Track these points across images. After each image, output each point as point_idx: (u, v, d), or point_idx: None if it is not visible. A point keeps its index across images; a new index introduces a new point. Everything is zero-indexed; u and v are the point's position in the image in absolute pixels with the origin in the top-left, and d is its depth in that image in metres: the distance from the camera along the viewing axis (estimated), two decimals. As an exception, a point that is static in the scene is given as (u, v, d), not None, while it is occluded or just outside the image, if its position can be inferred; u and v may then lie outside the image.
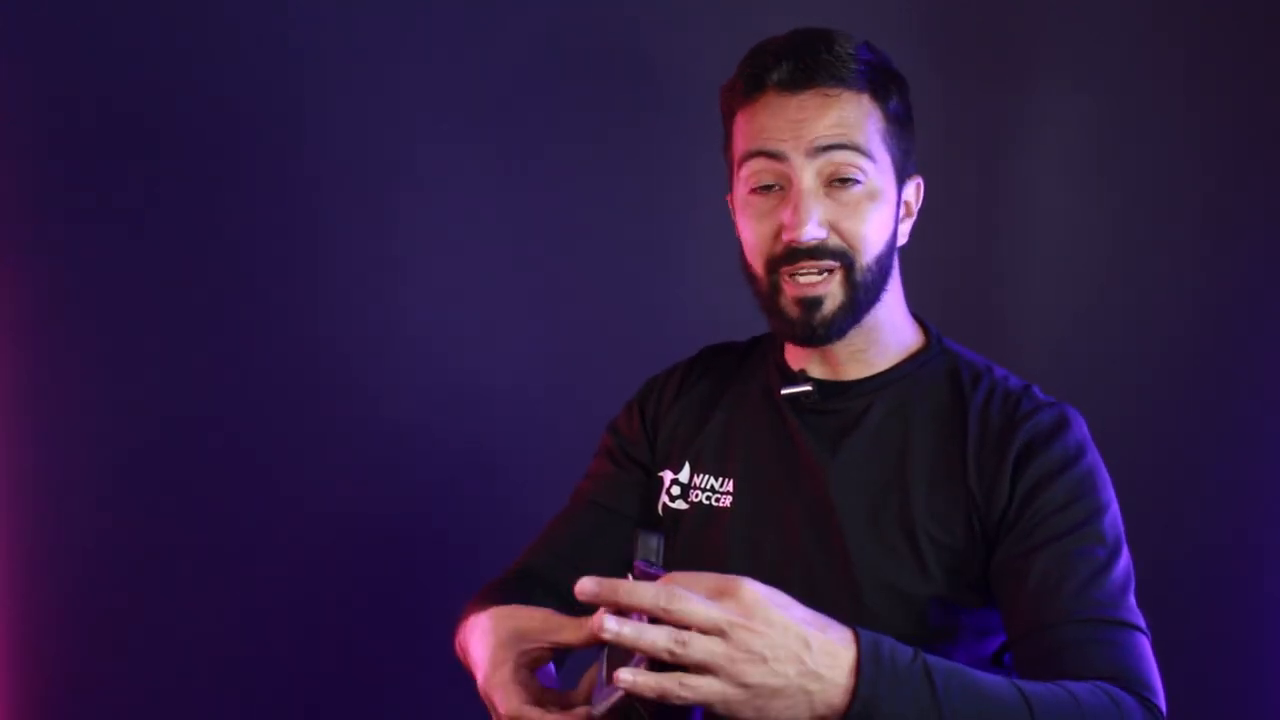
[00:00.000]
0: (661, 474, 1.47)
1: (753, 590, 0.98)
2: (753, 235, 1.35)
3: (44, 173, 2.24)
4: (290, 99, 2.28)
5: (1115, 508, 1.31)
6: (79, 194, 2.25)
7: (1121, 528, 1.30)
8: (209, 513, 2.31)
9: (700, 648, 0.95)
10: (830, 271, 1.32)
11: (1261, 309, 2.28)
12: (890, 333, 1.39)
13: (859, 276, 1.32)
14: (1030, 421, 1.31)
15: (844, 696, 0.98)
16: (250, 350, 2.29)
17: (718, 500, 1.41)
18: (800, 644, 0.98)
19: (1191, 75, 2.29)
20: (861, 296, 1.33)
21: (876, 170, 1.33)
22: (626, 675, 0.95)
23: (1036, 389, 1.37)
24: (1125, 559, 1.28)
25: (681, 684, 0.96)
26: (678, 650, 0.95)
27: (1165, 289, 2.32)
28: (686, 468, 1.45)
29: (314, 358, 2.30)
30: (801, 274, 1.32)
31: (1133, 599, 1.26)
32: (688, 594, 0.96)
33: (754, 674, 0.96)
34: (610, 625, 0.95)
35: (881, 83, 1.35)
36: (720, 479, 1.42)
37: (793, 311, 1.34)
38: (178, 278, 2.28)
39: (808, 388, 1.39)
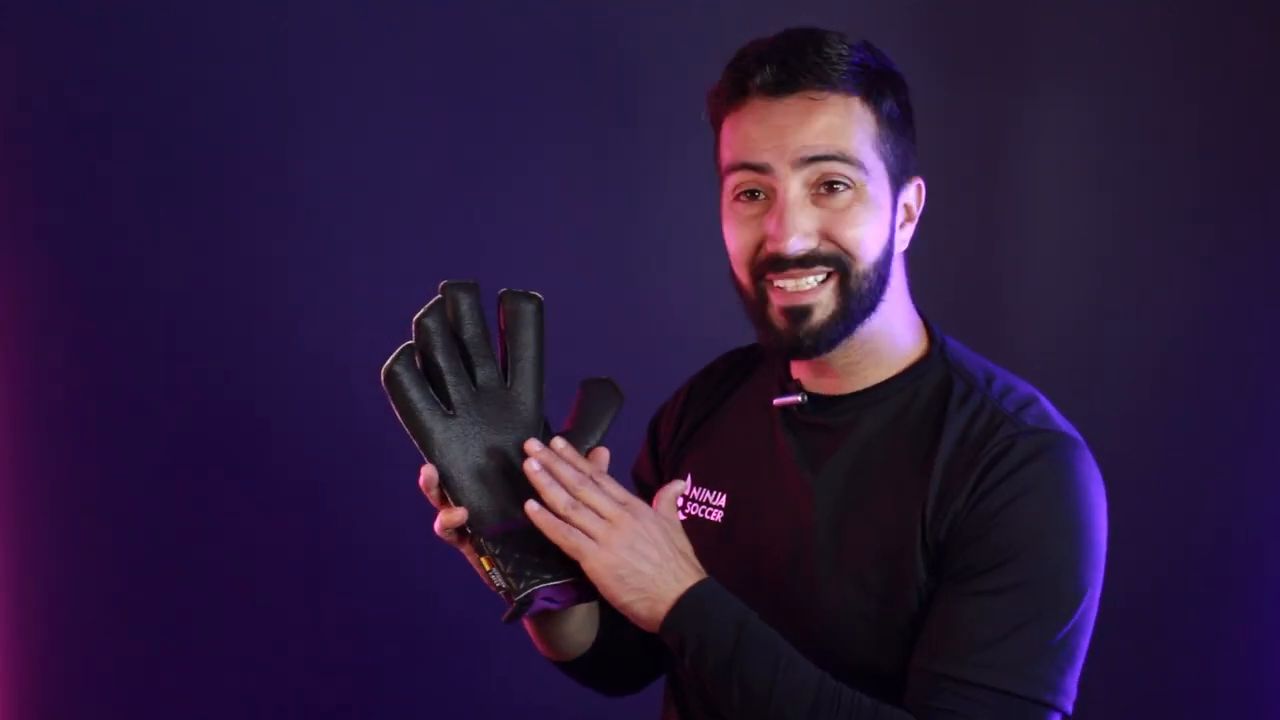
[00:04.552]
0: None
1: (647, 509, 1.25)
2: (735, 244, 1.28)
3: (40, 174, 2.24)
4: (280, 100, 2.28)
5: (1087, 556, 1.22)
6: (74, 195, 2.25)
7: (1089, 588, 1.22)
8: (210, 513, 2.31)
9: (588, 516, 1.22)
10: (824, 279, 1.25)
11: (1261, 308, 2.27)
12: (889, 343, 1.31)
13: (854, 284, 1.25)
14: (998, 448, 1.23)
15: (664, 613, 1.22)
16: (249, 351, 2.29)
17: (709, 514, 1.38)
18: (661, 555, 1.23)
19: (1191, 76, 2.28)
20: (855, 306, 1.26)
21: (868, 178, 1.25)
22: (533, 505, 1.22)
23: (1036, 408, 1.28)
24: (1075, 624, 1.21)
25: (569, 531, 1.21)
26: (569, 511, 1.22)
27: (1165, 289, 2.31)
28: (689, 479, 1.42)
29: (314, 358, 2.30)
30: (790, 281, 1.25)
31: (1064, 665, 1.21)
32: (595, 486, 1.23)
33: (610, 558, 1.21)
34: (532, 465, 1.23)
35: (875, 84, 1.26)
36: (714, 492, 1.39)
37: (779, 322, 1.27)
38: (179, 278, 2.28)
39: (798, 399, 1.33)
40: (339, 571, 2.33)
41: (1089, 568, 1.23)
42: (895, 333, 1.32)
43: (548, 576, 1.23)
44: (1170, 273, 2.31)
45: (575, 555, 1.22)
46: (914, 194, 1.33)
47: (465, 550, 1.26)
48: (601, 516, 1.22)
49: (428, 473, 1.24)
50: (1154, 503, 2.27)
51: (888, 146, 1.27)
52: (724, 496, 1.38)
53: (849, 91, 1.25)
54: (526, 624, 1.35)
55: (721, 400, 1.45)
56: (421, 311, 1.26)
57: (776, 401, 1.35)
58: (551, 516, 1.22)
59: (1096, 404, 2.24)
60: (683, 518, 1.40)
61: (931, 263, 2.23)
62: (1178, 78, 2.29)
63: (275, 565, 2.32)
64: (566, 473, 1.24)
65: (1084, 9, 2.30)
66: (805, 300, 1.26)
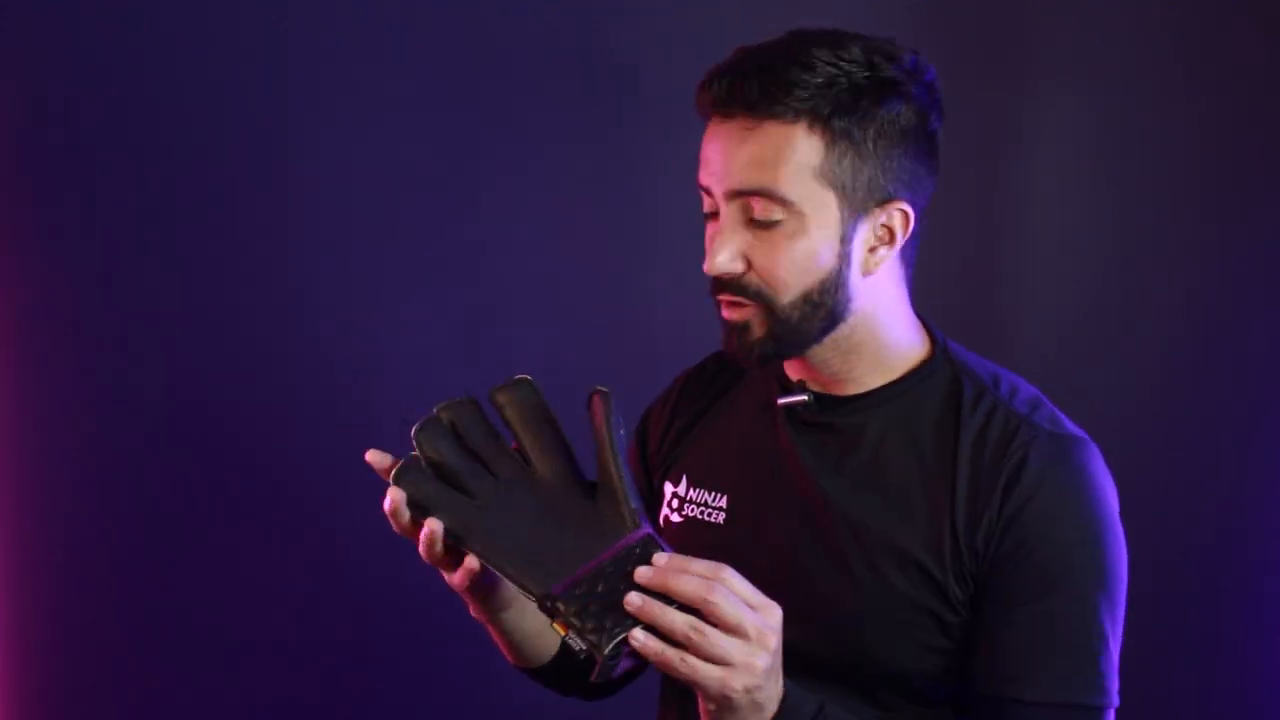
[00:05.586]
0: (663, 486, 1.43)
1: (779, 617, 1.11)
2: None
3: (40, 174, 2.24)
4: (280, 101, 2.28)
5: (1115, 558, 1.25)
6: (74, 195, 2.26)
7: (1121, 589, 1.25)
8: (211, 513, 2.31)
9: (719, 643, 1.06)
10: (744, 305, 1.25)
11: (1261, 308, 2.28)
12: (881, 350, 1.30)
13: (781, 314, 1.24)
14: (1019, 459, 1.23)
15: None
16: (250, 350, 2.30)
17: (710, 515, 1.37)
18: (775, 674, 1.11)
19: (1191, 75, 2.28)
20: (784, 333, 1.24)
21: (804, 209, 1.21)
22: (640, 634, 1.06)
23: (1044, 410, 1.28)
24: (1116, 617, 1.24)
25: (682, 660, 1.06)
26: (694, 636, 1.06)
27: (1165, 289, 2.31)
28: (684, 480, 1.40)
29: (315, 358, 2.30)
30: (724, 302, 1.26)
31: (1109, 667, 1.23)
32: (729, 594, 1.07)
33: (748, 681, 1.08)
34: (634, 599, 1.06)
35: (841, 104, 1.20)
36: (714, 493, 1.37)
37: (725, 331, 1.28)
38: (179, 278, 2.28)
39: (805, 398, 1.32)
40: (340, 572, 2.33)
41: (1118, 570, 1.25)
42: (888, 339, 1.31)
43: (629, 622, 1.08)
44: (1170, 273, 2.31)
45: (701, 684, 1.07)
46: (897, 218, 1.27)
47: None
48: (738, 635, 1.08)
49: (470, 565, 1.17)
50: (1154, 503, 2.27)
51: (843, 170, 1.22)
52: (724, 498, 1.36)
53: (790, 118, 1.20)
54: (491, 630, 1.33)
55: (715, 399, 1.44)
56: (417, 426, 1.20)
57: (781, 401, 1.33)
58: (666, 648, 1.06)
59: (1096, 404, 2.23)
60: (679, 520, 1.39)
61: (931, 263, 2.24)
62: (1178, 78, 2.29)
63: (276, 565, 2.32)
64: (688, 586, 1.07)
65: (1084, 9, 2.30)
66: (734, 317, 1.26)
